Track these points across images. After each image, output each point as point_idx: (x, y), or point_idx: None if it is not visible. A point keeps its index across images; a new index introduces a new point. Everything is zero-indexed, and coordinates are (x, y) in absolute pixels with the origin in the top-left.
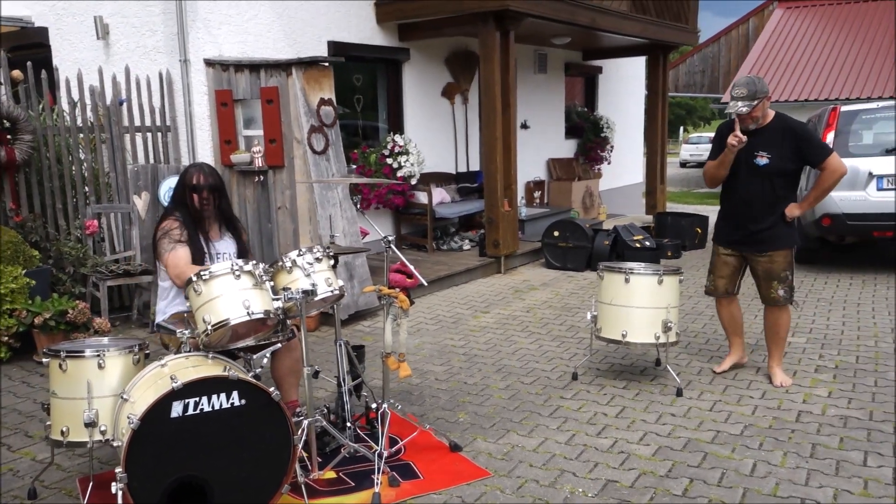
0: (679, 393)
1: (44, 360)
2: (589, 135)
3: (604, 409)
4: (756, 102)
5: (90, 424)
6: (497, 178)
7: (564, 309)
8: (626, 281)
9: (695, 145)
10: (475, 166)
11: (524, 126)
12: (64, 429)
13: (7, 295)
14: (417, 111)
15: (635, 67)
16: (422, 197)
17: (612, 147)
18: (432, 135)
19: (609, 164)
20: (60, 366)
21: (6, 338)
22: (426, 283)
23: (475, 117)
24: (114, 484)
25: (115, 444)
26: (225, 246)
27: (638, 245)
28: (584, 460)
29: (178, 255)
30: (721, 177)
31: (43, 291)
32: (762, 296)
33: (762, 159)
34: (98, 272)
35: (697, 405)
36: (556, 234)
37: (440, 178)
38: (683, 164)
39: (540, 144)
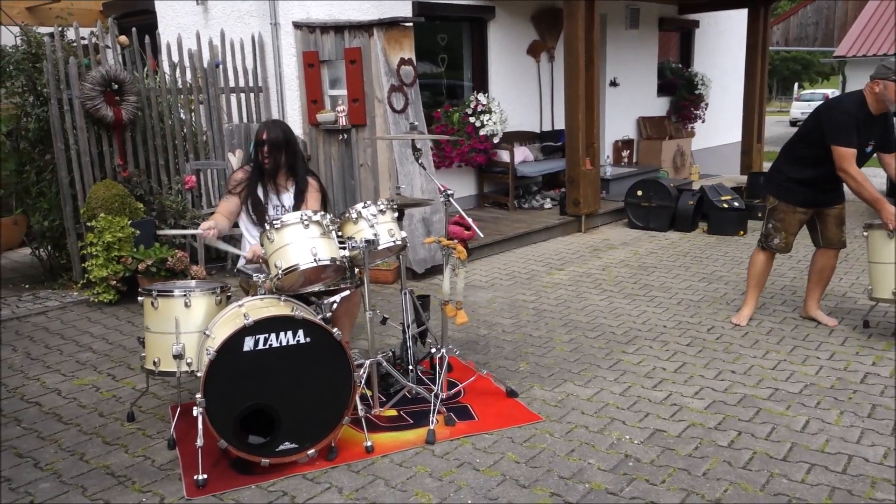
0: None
1: (139, 298)
2: (682, 92)
3: (664, 363)
4: None
5: (178, 356)
6: (579, 137)
7: (640, 268)
8: (890, 237)
9: (807, 102)
10: (560, 125)
11: (613, 84)
12: (156, 359)
13: (115, 243)
14: (502, 69)
15: (736, 21)
16: (504, 155)
17: (706, 105)
18: (517, 93)
19: (703, 122)
20: (152, 304)
21: (114, 281)
22: (482, 235)
23: (561, 76)
24: (195, 408)
25: (199, 374)
26: (285, 199)
27: (725, 206)
28: (635, 410)
29: (220, 205)
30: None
31: (146, 241)
32: (832, 242)
33: (870, 147)
34: (196, 224)
35: (760, 363)
36: (639, 193)
37: (524, 137)
38: (794, 123)
39: (630, 102)
